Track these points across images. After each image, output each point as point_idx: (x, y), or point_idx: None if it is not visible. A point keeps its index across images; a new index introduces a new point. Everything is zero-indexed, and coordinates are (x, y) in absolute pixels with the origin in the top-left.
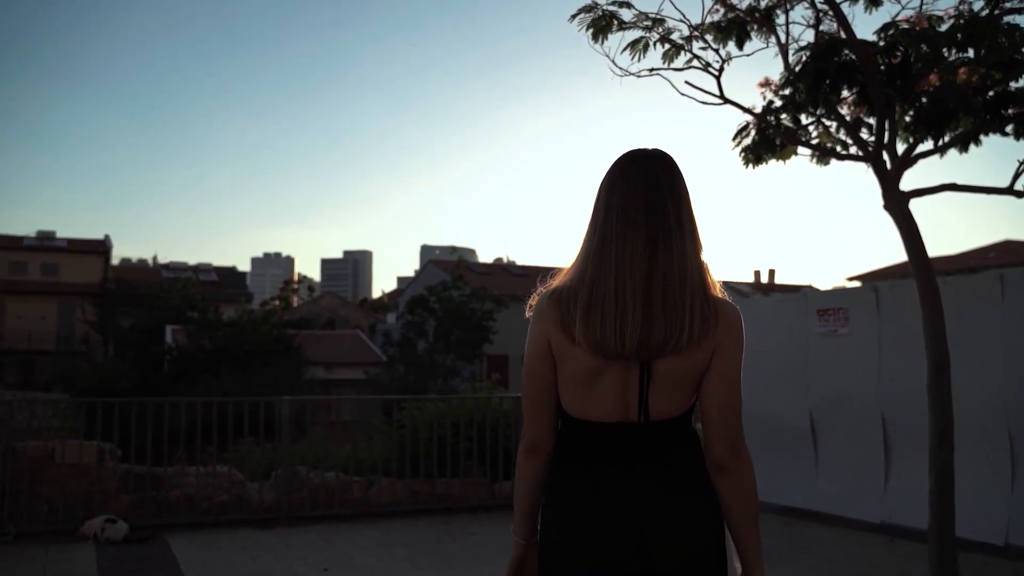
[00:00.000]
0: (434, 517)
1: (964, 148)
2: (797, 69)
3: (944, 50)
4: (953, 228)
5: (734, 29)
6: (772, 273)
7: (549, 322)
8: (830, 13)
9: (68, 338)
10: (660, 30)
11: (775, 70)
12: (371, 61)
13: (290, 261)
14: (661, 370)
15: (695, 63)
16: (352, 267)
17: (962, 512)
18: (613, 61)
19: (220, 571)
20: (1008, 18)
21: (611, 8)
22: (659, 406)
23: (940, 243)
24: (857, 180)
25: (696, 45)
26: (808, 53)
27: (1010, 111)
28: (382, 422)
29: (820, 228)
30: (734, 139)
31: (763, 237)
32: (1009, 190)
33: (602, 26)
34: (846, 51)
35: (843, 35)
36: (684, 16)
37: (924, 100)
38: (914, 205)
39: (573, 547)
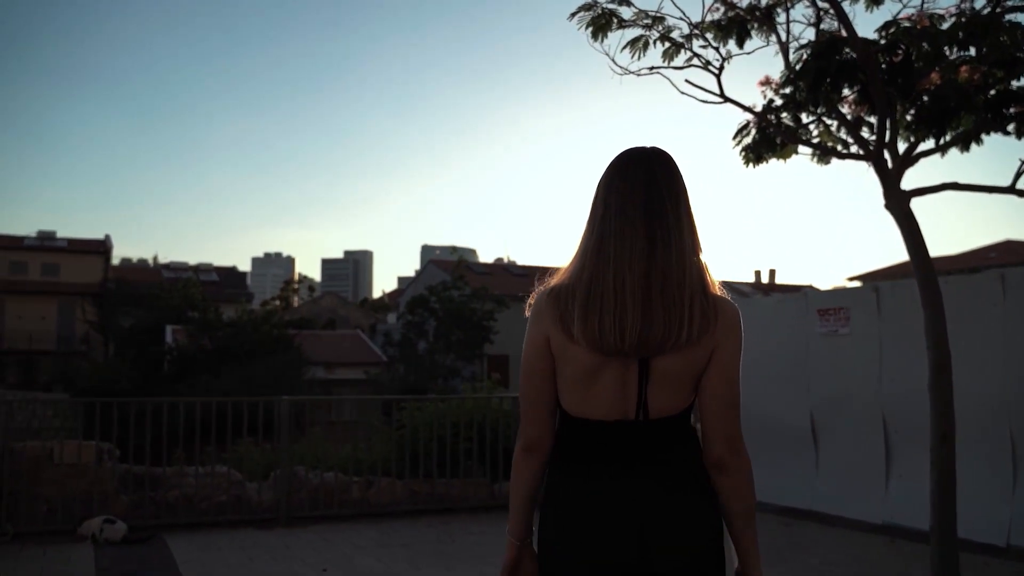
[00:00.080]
0: (434, 517)
1: (965, 147)
2: (798, 68)
3: (945, 48)
4: (954, 228)
5: (734, 27)
6: (772, 273)
7: (548, 320)
8: (831, 11)
9: (68, 338)
10: (660, 28)
11: (776, 69)
12: (371, 61)
13: (291, 261)
14: (660, 368)
15: (695, 61)
16: (352, 267)
17: (963, 513)
18: (613, 60)
19: (219, 571)
20: (1010, 16)
21: (610, 6)
22: (658, 404)
23: (941, 243)
24: (858, 179)
25: (696, 43)
26: (809, 51)
27: (1011, 110)
28: (382, 422)
29: (821, 228)
30: (734, 138)
31: (763, 237)
32: (1010, 189)
33: (601, 24)
34: (847, 49)
35: (844, 33)
36: (684, 14)
37: (925, 99)
38: (915, 204)
39: (572, 546)
